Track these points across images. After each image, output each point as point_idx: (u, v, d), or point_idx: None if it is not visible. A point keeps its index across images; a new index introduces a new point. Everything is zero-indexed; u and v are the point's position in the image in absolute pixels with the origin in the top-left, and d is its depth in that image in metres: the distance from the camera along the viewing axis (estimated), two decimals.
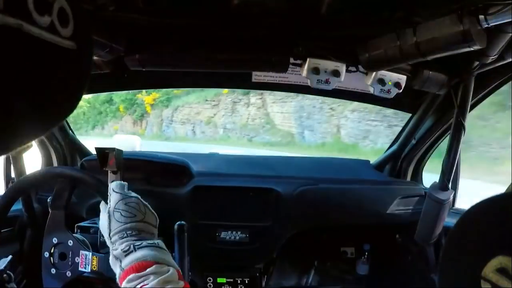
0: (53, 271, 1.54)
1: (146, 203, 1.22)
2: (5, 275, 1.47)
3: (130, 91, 26.54)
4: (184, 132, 28.26)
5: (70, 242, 1.54)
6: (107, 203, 1.21)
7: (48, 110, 0.48)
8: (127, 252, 1.04)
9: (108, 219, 1.13)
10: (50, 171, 1.55)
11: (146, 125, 31.28)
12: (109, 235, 1.12)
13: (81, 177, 1.42)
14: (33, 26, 0.41)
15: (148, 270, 1.00)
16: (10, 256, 1.49)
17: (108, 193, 1.21)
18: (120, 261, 1.04)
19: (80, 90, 0.53)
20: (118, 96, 30.50)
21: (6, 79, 0.39)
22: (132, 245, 1.05)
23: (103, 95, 31.28)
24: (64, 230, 1.55)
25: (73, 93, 0.52)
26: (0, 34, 0.37)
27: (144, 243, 1.07)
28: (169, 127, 29.38)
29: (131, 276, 1.00)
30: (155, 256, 1.05)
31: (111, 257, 1.08)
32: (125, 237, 1.09)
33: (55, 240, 1.54)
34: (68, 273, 1.54)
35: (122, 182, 1.25)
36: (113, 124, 32.67)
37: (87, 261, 1.54)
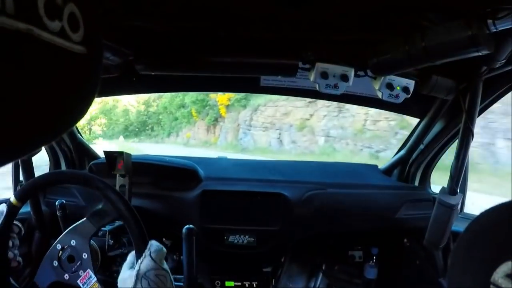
0: (55, 263, 1.53)
1: (173, 280, 1.20)
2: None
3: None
4: (267, 141, 20.23)
5: (85, 255, 1.53)
6: (138, 255, 1.19)
7: (58, 115, 0.48)
8: None
9: (135, 282, 1.12)
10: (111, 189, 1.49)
11: (220, 131, 25.17)
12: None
13: (130, 217, 1.36)
14: (44, 31, 0.41)
15: None
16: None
17: (144, 253, 1.18)
18: None
19: (91, 95, 0.53)
20: (189, 97, 26.80)
21: (16, 85, 0.39)
22: None
23: (177, 99, 29.41)
24: (87, 242, 1.54)
25: (83, 98, 0.52)
26: (10, 39, 0.37)
27: None
28: (247, 134, 21.93)
29: None
30: None
31: None
32: None
33: (73, 242, 1.53)
34: (66, 276, 1.53)
35: (162, 247, 1.21)
36: (187, 131, 29.33)
37: (88, 282, 1.53)
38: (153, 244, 1.20)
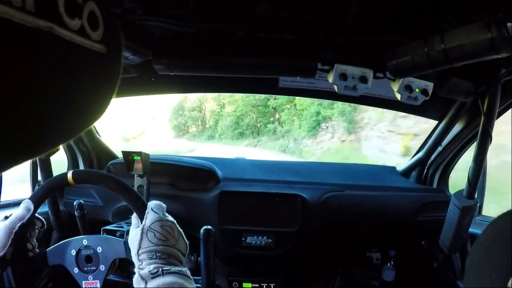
0: (72, 252, 1.49)
1: (181, 230, 1.21)
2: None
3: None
4: None
5: (102, 267, 1.48)
6: (141, 218, 1.20)
7: (77, 114, 0.48)
8: (154, 275, 1.03)
9: (140, 236, 1.12)
10: (98, 173, 1.53)
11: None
12: (138, 251, 1.11)
13: (125, 188, 1.41)
14: (64, 29, 0.41)
15: None
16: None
17: (146, 211, 1.20)
18: (146, 282, 1.02)
19: (110, 94, 0.53)
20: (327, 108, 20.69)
21: (35, 83, 0.39)
22: (160, 269, 1.04)
23: (313, 108, 22.09)
24: (111, 259, 1.53)
25: (102, 97, 0.52)
26: (31, 37, 0.38)
27: (173, 269, 1.06)
28: None
29: None
30: (182, 285, 1.03)
31: (136, 276, 1.06)
32: (154, 258, 1.08)
33: (99, 249, 1.50)
34: (75, 270, 1.48)
35: (161, 203, 1.23)
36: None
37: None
38: (152, 202, 1.22)
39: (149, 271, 1.03)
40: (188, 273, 1.10)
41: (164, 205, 1.24)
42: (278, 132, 27.60)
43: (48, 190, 1.50)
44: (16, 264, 1.41)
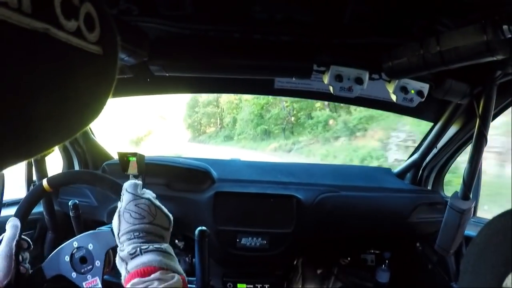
0: (66, 258, 1.48)
1: (159, 205, 1.19)
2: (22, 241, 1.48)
3: None
4: None
5: (98, 263, 1.51)
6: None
7: (73, 115, 0.48)
8: (133, 255, 1.03)
9: (118, 219, 1.12)
10: (71, 172, 1.56)
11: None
12: (118, 235, 1.11)
13: (99, 177, 1.44)
14: (60, 30, 0.41)
15: (152, 276, 0.99)
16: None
17: (122, 193, 1.19)
18: (126, 264, 1.02)
19: (106, 95, 0.53)
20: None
21: (31, 84, 0.39)
22: (138, 248, 1.04)
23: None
24: (104, 251, 1.53)
25: (98, 98, 0.52)
26: (27, 38, 0.38)
27: (151, 247, 1.05)
28: None
29: (135, 280, 0.98)
30: (161, 262, 1.03)
31: (117, 258, 1.06)
32: (132, 238, 1.07)
33: (90, 246, 1.49)
34: (73, 274, 1.49)
35: (136, 181, 1.21)
36: None
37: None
38: (127, 182, 1.20)
39: (127, 252, 1.03)
40: (169, 249, 1.09)
41: (140, 182, 1.21)
42: (327, 129, 19.72)
43: (29, 203, 1.51)
44: (18, 286, 1.41)
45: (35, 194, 1.51)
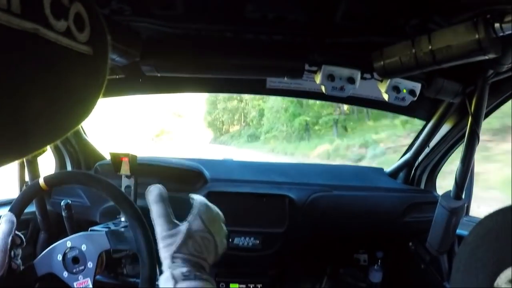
0: (59, 257, 1.51)
1: (217, 243, 1.20)
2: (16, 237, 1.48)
3: None
4: None
5: (90, 264, 1.52)
6: (115, 202, 1.28)
7: (63, 115, 0.48)
8: (186, 277, 1.03)
9: (184, 239, 1.10)
10: (68, 172, 1.58)
11: None
12: (174, 253, 1.09)
13: (96, 179, 1.45)
14: (50, 30, 0.41)
15: None
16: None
17: (195, 212, 1.19)
18: (175, 282, 1.02)
19: (96, 95, 0.53)
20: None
21: (21, 84, 0.39)
22: (193, 273, 1.05)
23: None
24: (97, 253, 1.55)
25: (89, 98, 0.52)
26: (16, 39, 0.38)
27: (204, 276, 1.06)
28: None
29: None
30: None
31: (167, 275, 1.04)
32: (188, 262, 1.08)
33: (83, 247, 1.51)
34: (64, 274, 1.50)
35: (209, 205, 1.24)
36: None
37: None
38: (203, 205, 1.21)
39: (181, 273, 1.04)
40: (212, 281, 1.09)
41: (216, 212, 1.24)
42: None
43: (25, 200, 1.53)
44: (8, 281, 1.41)
45: (31, 192, 1.53)
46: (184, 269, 1.05)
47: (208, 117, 30.74)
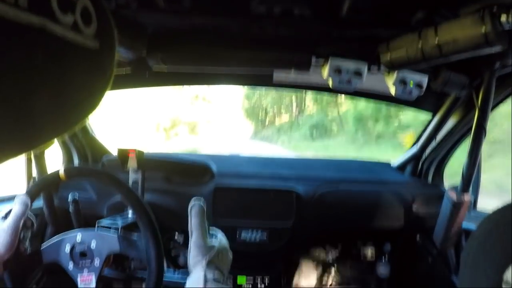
0: (66, 248, 1.53)
1: (230, 258, 1.32)
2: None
3: None
4: None
5: (97, 262, 1.55)
6: (135, 211, 1.35)
7: (70, 109, 0.48)
8: (216, 280, 1.12)
9: (216, 252, 1.21)
10: (89, 168, 1.61)
11: None
12: (209, 260, 1.18)
13: (117, 182, 1.52)
14: (57, 25, 0.41)
15: None
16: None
17: (215, 233, 1.33)
18: (206, 282, 1.10)
19: (103, 89, 0.53)
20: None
21: (28, 78, 0.39)
22: (222, 278, 1.14)
23: None
24: (105, 253, 1.57)
25: (95, 93, 0.52)
26: (24, 33, 0.38)
27: (228, 282, 1.17)
28: None
29: None
30: None
31: (200, 275, 1.13)
32: (217, 269, 1.17)
33: (93, 245, 1.54)
34: (70, 265, 1.52)
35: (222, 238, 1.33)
36: None
37: (87, 284, 1.54)
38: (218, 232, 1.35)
39: (213, 276, 1.12)
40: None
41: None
42: None
43: (42, 186, 1.54)
44: (14, 263, 1.42)
45: (49, 179, 1.55)
46: (216, 275, 1.13)
47: (247, 104, 23.85)
